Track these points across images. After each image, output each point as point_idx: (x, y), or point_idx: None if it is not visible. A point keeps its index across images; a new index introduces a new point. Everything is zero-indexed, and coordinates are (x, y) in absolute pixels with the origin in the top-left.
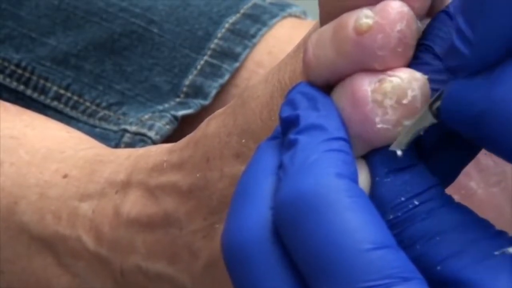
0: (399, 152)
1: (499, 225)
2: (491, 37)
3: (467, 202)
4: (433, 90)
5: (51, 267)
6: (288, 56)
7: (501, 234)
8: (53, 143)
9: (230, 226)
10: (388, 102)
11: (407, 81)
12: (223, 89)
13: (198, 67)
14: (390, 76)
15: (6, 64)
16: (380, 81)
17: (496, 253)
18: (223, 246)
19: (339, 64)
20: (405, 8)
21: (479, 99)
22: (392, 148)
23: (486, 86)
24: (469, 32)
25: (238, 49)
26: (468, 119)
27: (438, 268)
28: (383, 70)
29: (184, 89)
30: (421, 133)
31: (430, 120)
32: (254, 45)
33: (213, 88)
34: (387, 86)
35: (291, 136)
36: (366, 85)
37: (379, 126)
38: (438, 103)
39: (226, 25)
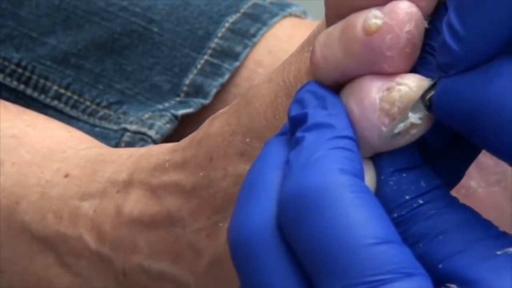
0: None
1: (499, 224)
2: (482, 34)
3: (467, 201)
4: None
5: (52, 267)
6: (292, 56)
7: (503, 234)
8: (54, 142)
9: (237, 220)
10: (396, 111)
11: (416, 90)
12: (223, 88)
13: (198, 66)
14: (398, 84)
15: (6, 63)
16: (388, 89)
17: (499, 252)
18: (230, 241)
19: (348, 65)
20: (413, 9)
21: (474, 96)
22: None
23: (481, 82)
24: (460, 28)
25: (238, 48)
26: (462, 116)
27: (440, 266)
28: (392, 74)
29: (184, 88)
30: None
31: (422, 110)
32: (254, 44)
33: (213, 87)
34: (395, 95)
35: (298, 133)
36: (374, 92)
37: (386, 134)
38: (431, 94)
39: (226, 25)
